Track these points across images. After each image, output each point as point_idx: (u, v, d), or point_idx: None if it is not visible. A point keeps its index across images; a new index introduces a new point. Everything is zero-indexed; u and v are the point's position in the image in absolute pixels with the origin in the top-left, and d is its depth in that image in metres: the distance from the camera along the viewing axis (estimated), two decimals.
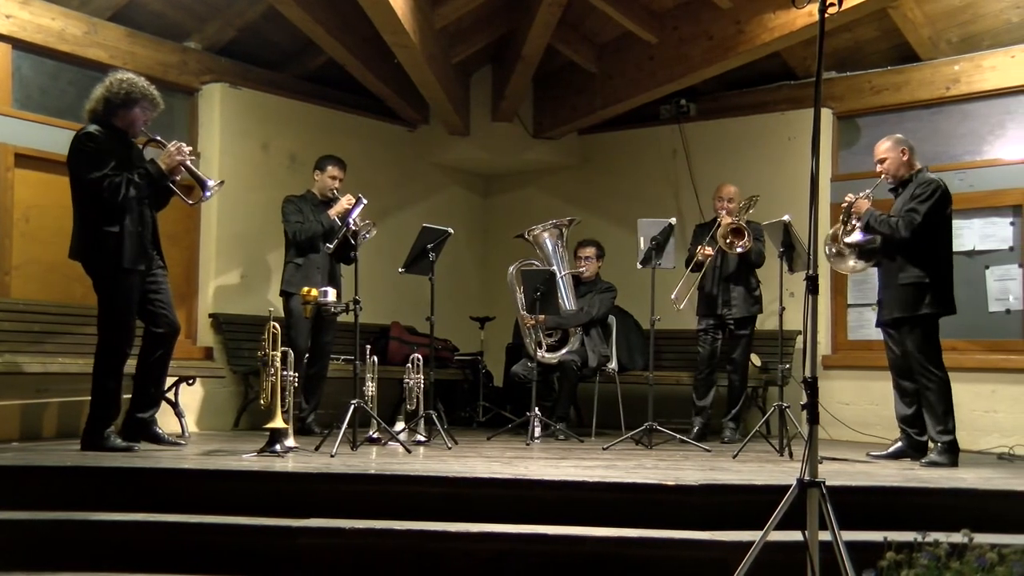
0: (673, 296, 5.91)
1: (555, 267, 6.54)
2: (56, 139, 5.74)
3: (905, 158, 5.25)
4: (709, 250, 6.16)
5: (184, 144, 4.90)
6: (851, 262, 5.40)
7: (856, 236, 5.25)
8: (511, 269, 6.64)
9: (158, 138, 4.98)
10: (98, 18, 6.24)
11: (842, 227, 5.31)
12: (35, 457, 4.57)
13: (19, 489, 3.96)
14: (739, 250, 6.04)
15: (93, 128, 4.78)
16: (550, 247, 6.68)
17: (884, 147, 5.30)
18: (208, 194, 4.99)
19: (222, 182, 5.08)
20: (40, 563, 3.49)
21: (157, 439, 4.96)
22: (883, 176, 5.32)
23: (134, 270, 4.79)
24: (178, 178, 4.96)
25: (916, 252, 5.09)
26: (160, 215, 5.18)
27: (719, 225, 6.12)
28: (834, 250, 5.39)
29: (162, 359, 5.01)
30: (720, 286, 6.27)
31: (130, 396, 5.00)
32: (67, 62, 6.13)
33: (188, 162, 4.89)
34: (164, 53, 6.62)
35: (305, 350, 6.00)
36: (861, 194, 5.27)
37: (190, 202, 5.20)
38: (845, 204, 5.30)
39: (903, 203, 5.18)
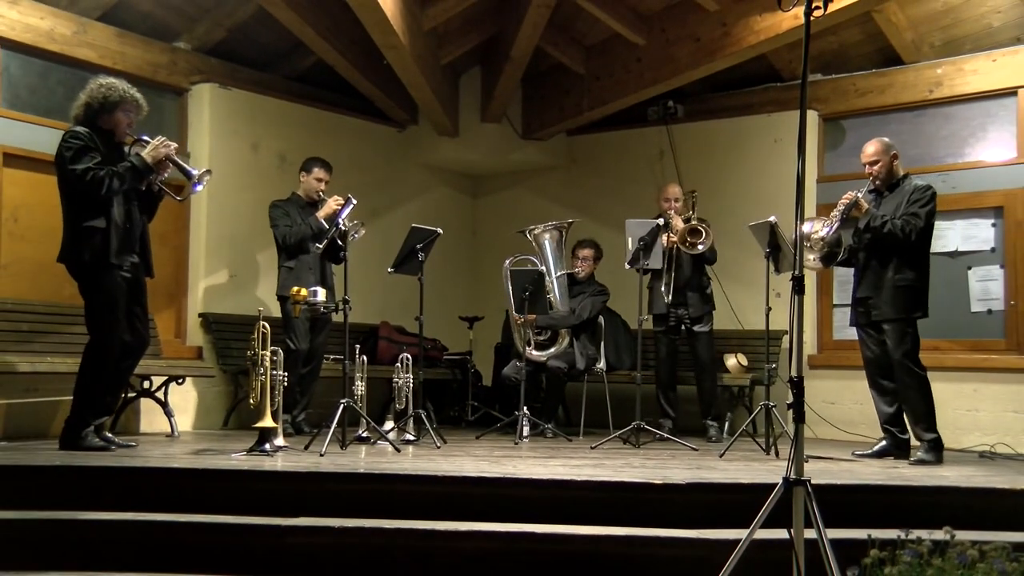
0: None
1: (551, 267, 6.53)
2: (45, 139, 5.73)
3: (896, 163, 5.36)
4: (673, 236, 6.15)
5: (168, 140, 4.85)
6: (811, 258, 5.27)
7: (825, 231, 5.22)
8: (506, 263, 6.48)
9: (144, 137, 4.91)
10: (87, 18, 6.23)
11: (831, 222, 5.23)
12: (22, 456, 4.53)
13: (6, 488, 3.93)
14: (700, 247, 6.06)
15: (79, 128, 4.75)
16: (549, 248, 6.63)
17: (875, 149, 5.36)
18: (197, 186, 4.91)
19: (209, 171, 5.01)
20: (27, 563, 3.47)
21: (106, 445, 4.82)
22: (871, 178, 5.38)
23: (120, 265, 4.73)
24: (166, 175, 4.92)
25: (910, 255, 5.17)
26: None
27: (674, 230, 6.17)
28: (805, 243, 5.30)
29: (127, 370, 4.97)
30: (673, 288, 6.30)
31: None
32: (56, 62, 6.12)
33: (174, 156, 4.85)
34: (153, 53, 6.62)
35: (305, 353, 6.03)
36: (860, 193, 5.28)
37: (179, 199, 5.17)
38: (846, 200, 5.25)
39: (894, 207, 5.24)
